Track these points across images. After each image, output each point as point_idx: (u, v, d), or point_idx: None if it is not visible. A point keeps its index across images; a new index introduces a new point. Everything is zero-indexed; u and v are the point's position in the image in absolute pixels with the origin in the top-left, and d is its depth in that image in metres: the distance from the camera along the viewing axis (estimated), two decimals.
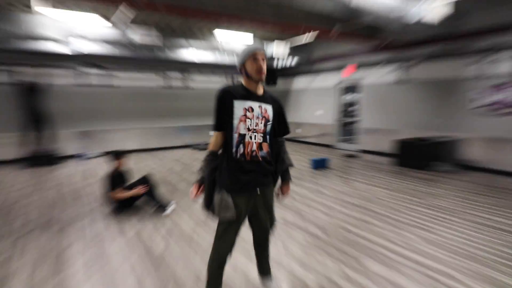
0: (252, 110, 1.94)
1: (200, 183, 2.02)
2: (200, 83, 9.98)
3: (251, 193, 1.99)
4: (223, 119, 1.93)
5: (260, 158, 1.97)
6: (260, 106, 1.99)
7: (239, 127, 1.92)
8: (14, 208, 4.41)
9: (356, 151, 8.86)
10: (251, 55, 1.99)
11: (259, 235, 2.17)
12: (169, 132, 9.57)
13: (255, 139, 1.94)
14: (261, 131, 1.96)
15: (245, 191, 1.97)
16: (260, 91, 2.04)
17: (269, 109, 2.03)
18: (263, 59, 2.00)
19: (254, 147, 1.96)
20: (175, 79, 9.48)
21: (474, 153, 6.46)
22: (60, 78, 7.86)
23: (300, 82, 10.95)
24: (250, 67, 1.99)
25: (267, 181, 2.05)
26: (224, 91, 1.97)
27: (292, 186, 5.29)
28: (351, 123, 9.82)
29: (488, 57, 6.14)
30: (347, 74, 9.07)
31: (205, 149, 9.06)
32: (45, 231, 3.64)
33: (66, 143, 8.03)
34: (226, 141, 1.96)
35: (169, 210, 4.09)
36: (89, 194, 5.04)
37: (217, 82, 10.22)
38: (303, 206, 4.43)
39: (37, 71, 7.45)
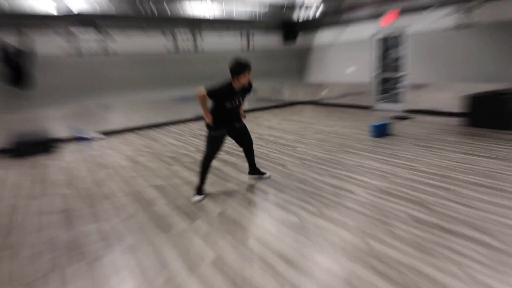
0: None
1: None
2: (212, 45, 8.26)
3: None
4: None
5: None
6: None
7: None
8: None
9: (404, 112, 7.49)
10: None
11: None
12: (180, 101, 7.99)
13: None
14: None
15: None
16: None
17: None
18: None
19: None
20: (184, 41, 7.73)
21: None
22: (48, 45, 6.13)
23: (325, 37, 9.26)
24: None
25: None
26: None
27: (371, 163, 4.01)
28: (394, 79, 8.41)
29: None
30: (388, 22, 7.44)
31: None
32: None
33: (60, 123, 6.47)
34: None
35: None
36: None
37: (232, 44, 8.52)
38: (414, 192, 3.10)
39: (19, 36, 5.70)
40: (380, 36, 7.88)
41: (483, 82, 6.07)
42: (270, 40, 9.32)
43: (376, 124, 5.41)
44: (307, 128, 6.43)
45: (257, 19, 8.39)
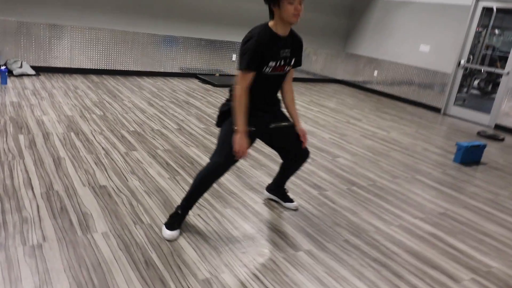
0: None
1: None
2: None
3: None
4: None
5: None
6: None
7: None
8: None
9: (493, 128, 6.57)
10: None
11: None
12: (162, 44, 6.88)
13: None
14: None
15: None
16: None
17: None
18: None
19: None
20: None
21: None
22: None
23: None
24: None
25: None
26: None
27: (469, 215, 3.10)
28: (489, 76, 7.48)
29: None
30: None
31: (213, 83, 6.70)
32: None
33: None
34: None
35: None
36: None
37: None
38: None
39: None
40: (493, 4, 6.79)
41: None
42: None
43: (466, 145, 4.48)
44: (350, 126, 5.47)
45: None
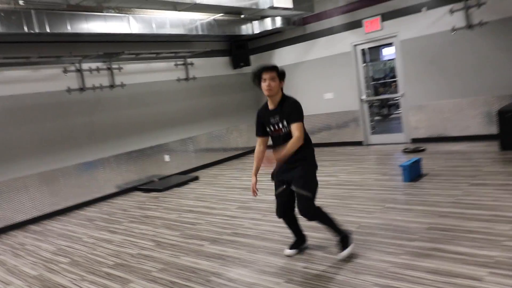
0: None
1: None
2: (136, 77, 7.42)
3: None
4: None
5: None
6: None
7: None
8: None
9: (411, 143, 7.48)
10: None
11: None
12: (94, 169, 6.74)
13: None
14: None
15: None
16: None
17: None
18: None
19: None
20: (94, 72, 6.74)
21: None
22: None
23: (288, 55, 9.14)
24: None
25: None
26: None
27: (456, 222, 3.51)
28: (387, 102, 8.58)
29: None
30: (374, 28, 7.66)
31: (158, 189, 6.74)
32: None
33: None
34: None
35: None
36: None
37: (164, 73, 7.84)
38: None
39: None
40: (366, 46, 8.03)
41: (509, 93, 6.39)
42: (215, 66, 8.89)
43: (407, 164, 5.09)
44: None
45: (195, 37, 7.99)
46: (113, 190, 6.92)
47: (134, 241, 4.43)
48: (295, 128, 3.00)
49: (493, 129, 6.29)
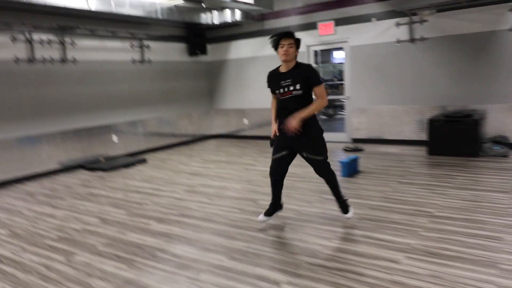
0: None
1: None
2: (90, 54, 7.22)
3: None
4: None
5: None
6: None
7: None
8: None
9: (352, 142, 7.98)
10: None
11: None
12: (38, 143, 6.52)
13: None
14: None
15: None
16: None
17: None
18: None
19: None
20: (45, 44, 6.46)
21: None
22: None
23: (245, 48, 9.32)
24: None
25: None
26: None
27: (379, 213, 3.92)
28: (333, 103, 9.02)
29: None
30: (327, 32, 8.04)
31: (103, 168, 6.72)
32: None
33: None
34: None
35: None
36: None
37: (118, 53, 7.69)
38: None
39: None
40: (319, 48, 8.40)
41: (435, 104, 7.05)
42: (171, 51, 8.86)
43: (346, 161, 5.50)
44: (250, 172, 6.08)
45: (154, 21, 7.93)
46: (56, 166, 6.73)
47: (79, 217, 4.42)
48: (318, 91, 3.36)
49: (423, 136, 6.90)
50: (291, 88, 3.31)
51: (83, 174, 6.63)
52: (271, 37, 3.39)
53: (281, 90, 3.36)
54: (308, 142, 3.41)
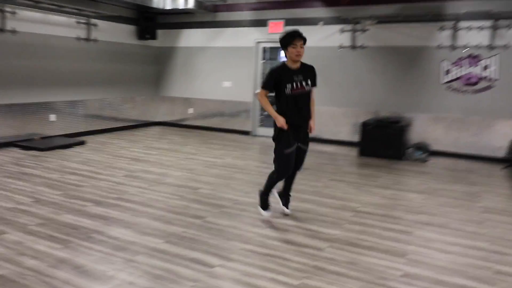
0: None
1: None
2: (32, 26, 6.83)
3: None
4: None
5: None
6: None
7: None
8: None
9: None
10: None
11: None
12: None
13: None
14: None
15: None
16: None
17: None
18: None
19: None
20: None
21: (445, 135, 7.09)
22: None
23: (196, 37, 9.29)
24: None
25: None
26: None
27: (310, 206, 4.22)
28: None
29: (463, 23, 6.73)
30: (276, 30, 8.28)
31: (38, 148, 6.49)
32: None
33: None
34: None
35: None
36: None
37: (63, 28, 7.35)
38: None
39: None
40: (267, 45, 8.62)
41: (369, 109, 7.57)
42: (120, 32, 8.61)
43: None
44: (192, 161, 6.15)
45: (105, 0, 7.69)
46: None
47: (10, 195, 4.26)
48: (313, 92, 3.73)
49: (356, 138, 7.39)
50: (304, 83, 3.57)
51: (15, 152, 6.31)
52: (284, 35, 3.51)
53: (294, 85, 3.52)
54: (307, 137, 3.81)
